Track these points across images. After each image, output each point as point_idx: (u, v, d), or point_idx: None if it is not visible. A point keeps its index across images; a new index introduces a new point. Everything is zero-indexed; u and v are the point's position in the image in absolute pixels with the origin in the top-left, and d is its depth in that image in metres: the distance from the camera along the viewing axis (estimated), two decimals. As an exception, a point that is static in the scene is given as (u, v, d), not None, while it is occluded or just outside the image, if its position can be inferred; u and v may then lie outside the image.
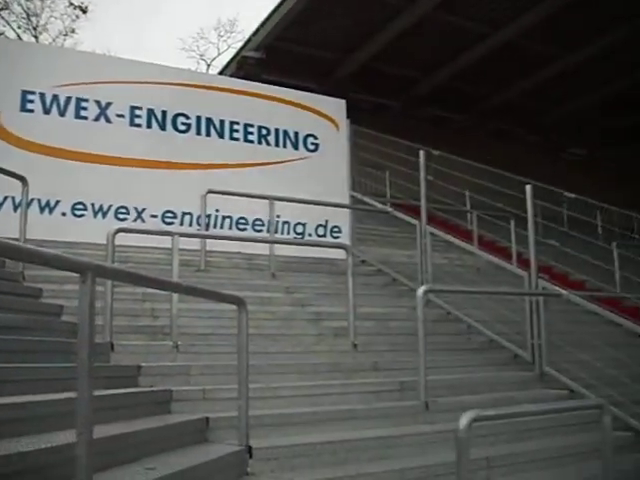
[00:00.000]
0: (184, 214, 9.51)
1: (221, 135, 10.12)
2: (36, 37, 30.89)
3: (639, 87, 19.69)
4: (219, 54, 37.98)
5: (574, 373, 7.24)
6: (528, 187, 8.09)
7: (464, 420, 3.41)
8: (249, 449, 4.31)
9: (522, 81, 19.47)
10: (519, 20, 16.24)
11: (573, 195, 10.70)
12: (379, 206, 11.44)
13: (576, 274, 12.07)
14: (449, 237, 9.93)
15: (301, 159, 10.58)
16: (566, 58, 18.11)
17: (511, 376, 7.51)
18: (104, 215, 9.04)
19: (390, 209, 11.29)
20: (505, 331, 8.07)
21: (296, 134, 10.63)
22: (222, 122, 10.13)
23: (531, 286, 7.91)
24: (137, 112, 9.55)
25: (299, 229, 10.25)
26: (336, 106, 11.22)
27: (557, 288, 8.12)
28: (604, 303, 8.55)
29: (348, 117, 11.21)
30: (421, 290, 6.22)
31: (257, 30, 17.08)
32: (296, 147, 10.62)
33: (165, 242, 6.90)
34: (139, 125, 9.55)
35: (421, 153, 9.79)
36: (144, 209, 9.29)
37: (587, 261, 11.54)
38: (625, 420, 6.55)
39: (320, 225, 10.41)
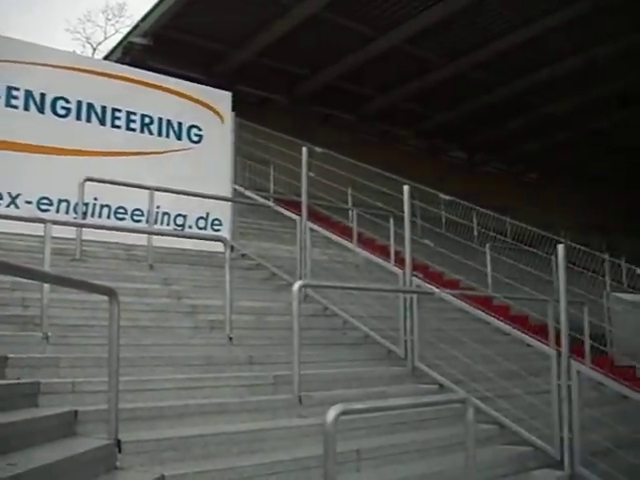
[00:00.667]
0: (60, 201, 9.19)
1: (102, 122, 9.83)
2: None
3: (519, 96, 20.63)
4: (106, 38, 37.10)
5: (444, 369, 7.47)
6: (406, 187, 8.28)
7: (332, 413, 3.45)
8: (118, 443, 4.22)
9: (406, 85, 19.95)
10: (404, 26, 16.61)
11: (448, 197, 11.02)
12: (260, 200, 11.43)
13: (451, 273, 12.45)
14: (329, 233, 10.03)
15: (184, 150, 10.44)
16: (448, 66, 18.65)
17: (384, 371, 7.66)
18: (-26, 200, 8.66)
19: (271, 203, 11.31)
20: (380, 327, 8.23)
21: (180, 124, 10.47)
22: (104, 108, 9.84)
23: (405, 284, 8.11)
24: (14, 93, 9.14)
25: (179, 221, 10.11)
26: (222, 98, 11.12)
27: (431, 286, 8.35)
28: (475, 302, 8.87)
29: (234, 110, 11.14)
30: (297, 285, 6.25)
31: (145, 16, 16.71)
32: (179, 137, 10.46)
33: (40, 230, 6.66)
34: (15, 107, 9.16)
35: (304, 149, 9.86)
36: (19, 195, 8.92)
37: (462, 261, 11.94)
38: (489, 414, 6.83)
39: (201, 217, 10.31)
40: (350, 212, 13.87)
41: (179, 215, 10.06)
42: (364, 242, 12.20)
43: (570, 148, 25.66)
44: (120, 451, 4.23)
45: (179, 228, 10.05)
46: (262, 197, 11.74)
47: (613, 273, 13.60)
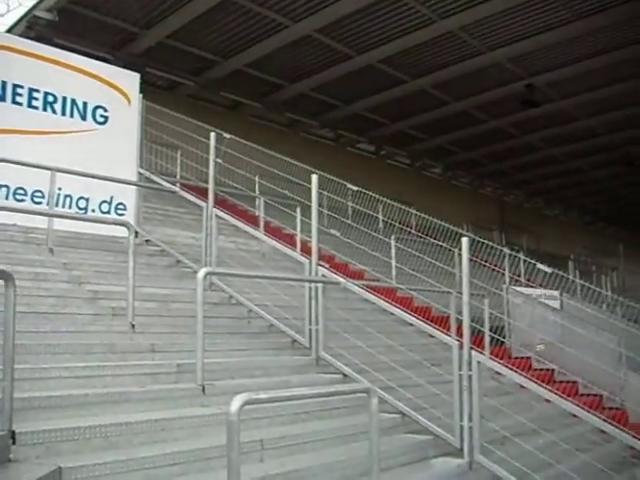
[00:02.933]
0: (-48, 181, 8.78)
1: (2, 98, 9.41)
2: None
3: (426, 91, 20.99)
4: (9, 11, 35.52)
5: (348, 359, 7.52)
6: (314, 177, 8.29)
7: (235, 403, 3.41)
8: (12, 434, 4.05)
9: (316, 75, 19.94)
10: (316, 16, 16.58)
11: (355, 188, 11.08)
12: (167, 185, 11.22)
13: (357, 264, 12.55)
14: (236, 221, 9.93)
15: (89, 131, 10.11)
16: (358, 58, 18.75)
17: (288, 360, 7.66)
18: None
19: (177, 189, 11.11)
20: (285, 316, 8.21)
21: (85, 104, 10.13)
22: (4, 84, 9.40)
23: (311, 273, 8.12)
24: None
25: (82, 204, 9.79)
26: (129, 79, 10.81)
27: (336, 276, 8.39)
28: (380, 292, 8.97)
29: (141, 92, 10.87)
30: (202, 272, 6.15)
31: (51, -10, 16.08)
32: (84, 118, 10.12)
33: None
34: None
35: (212, 135, 9.74)
36: None
37: (368, 252, 12.05)
38: (392, 403, 6.92)
39: (104, 201, 10.01)
40: (257, 200, 13.80)
41: (82, 198, 9.75)
42: (271, 231, 12.15)
43: (473, 144, 26.35)
44: (14, 442, 4.06)
45: (81, 211, 9.74)
46: (168, 182, 11.51)
47: (512, 267, 14.05)
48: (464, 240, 6.91)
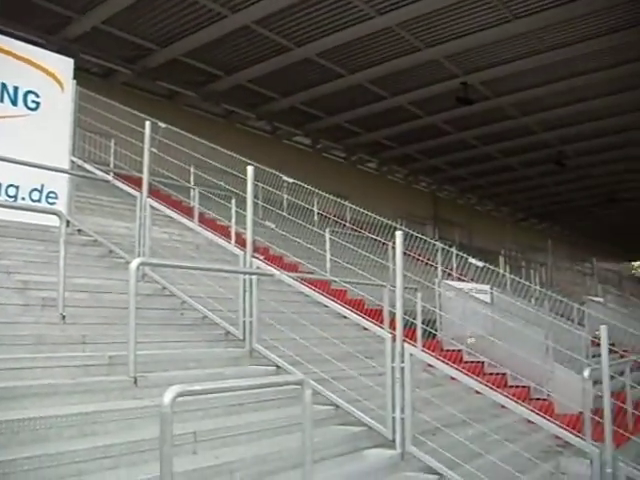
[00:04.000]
0: None
1: None
2: None
3: (363, 86, 21.09)
4: None
5: (282, 351, 7.53)
6: (249, 168, 8.26)
7: (168, 395, 3.38)
8: None
9: (254, 67, 19.83)
10: (255, 7, 16.48)
11: (291, 180, 11.10)
12: (100, 174, 11.01)
13: (291, 256, 12.57)
14: (170, 212, 9.82)
15: (19, 116, 9.83)
16: (296, 50, 18.72)
17: (222, 352, 7.62)
18: None
19: (111, 178, 10.91)
20: (219, 308, 8.16)
21: (15, 89, 9.85)
22: None
23: (246, 265, 8.10)
24: None
25: (11, 192, 9.51)
26: (63, 65, 10.51)
27: (271, 268, 8.38)
28: (314, 285, 9.01)
29: (75, 78, 10.63)
30: (135, 263, 6.06)
31: (-21, -29, 15.57)
32: (15, 103, 9.84)
33: None
34: None
35: (147, 124, 9.60)
36: None
37: (303, 245, 12.08)
38: (326, 395, 6.96)
39: (35, 189, 9.76)
40: (192, 191, 13.68)
41: (11, 186, 9.48)
42: (206, 222, 12.05)
43: (408, 139, 26.64)
44: None
45: (11, 199, 9.48)
46: (102, 171, 11.31)
47: (445, 262, 14.27)
48: (398, 234, 6.98)
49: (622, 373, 11.09)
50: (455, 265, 14.35)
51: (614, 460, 5.99)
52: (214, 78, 20.90)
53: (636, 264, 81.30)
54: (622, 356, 12.26)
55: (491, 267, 10.59)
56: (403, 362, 6.61)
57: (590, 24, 17.47)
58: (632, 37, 17.87)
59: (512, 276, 14.02)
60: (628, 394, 10.62)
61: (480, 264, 10.58)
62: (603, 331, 6.69)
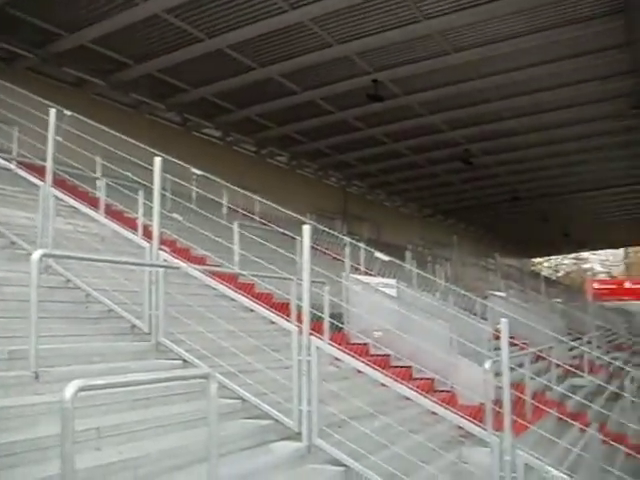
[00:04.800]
0: None
1: None
2: None
3: (276, 80, 21.06)
4: None
5: (189, 344, 7.46)
6: (157, 159, 8.15)
7: (69, 390, 3.30)
8: None
9: (164, 57, 19.49)
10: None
11: (199, 172, 10.98)
12: (1, 162, 10.64)
13: (199, 249, 12.45)
14: (75, 203, 9.58)
15: None
16: (208, 42, 18.50)
17: (127, 346, 7.49)
18: None
19: (13, 166, 10.56)
20: (124, 301, 8.02)
21: None
22: None
23: (152, 257, 7.99)
24: None
25: None
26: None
27: (177, 261, 8.29)
28: (222, 278, 8.94)
29: (-25, 62, 10.26)
30: (37, 254, 5.89)
31: None
32: None
33: None
34: None
35: (51, 112, 9.34)
36: None
37: (211, 238, 11.98)
38: (233, 389, 6.95)
39: None
40: (98, 182, 13.36)
41: None
42: (112, 214, 11.80)
43: (319, 134, 26.78)
44: None
45: None
46: (4, 159, 10.92)
47: (353, 256, 14.43)
48: (305, 228, 7.02)
49: (522, 365, 11.49)
50: (363, 260, 14.54)
51: (512, 448, 6.19)
52: (123, 67, 20.43)
53: (537, 261, 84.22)
54: (522, 349, 12.66)
55: (397, 261, 10.75)
56: (310, 355, 6.66)
57: (496, 28, 17.98)
58: (535, 42, 18.51)
59: (418, 271, 14.26)
60: (527, 385, 11.00)
61: (385, 258, 10.74)
62: (503, 324, 6.89)
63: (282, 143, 28.25)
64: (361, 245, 13.89)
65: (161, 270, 7.76)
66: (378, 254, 10.37)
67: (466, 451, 7.91)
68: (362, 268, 13.90)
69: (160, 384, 6.03)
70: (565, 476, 5.91)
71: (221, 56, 19.37)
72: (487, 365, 7.44)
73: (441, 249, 31.33)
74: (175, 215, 11.61)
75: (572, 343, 16.26)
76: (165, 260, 8.08)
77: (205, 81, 21.57)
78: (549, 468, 5.97)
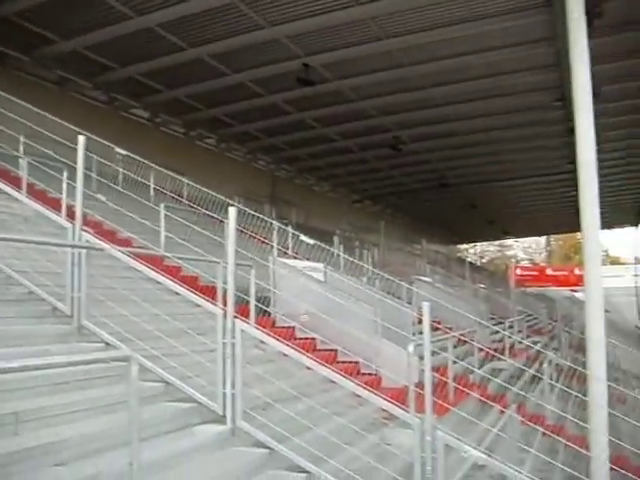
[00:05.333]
0: None
1: None
2: None
3: (203, 61, 20.77)
4: None
5: (112, 327, 7.37)
6: (81, 138, 7.99)
7: (-15, 372, 3.24)
8: None
9: (91, 34, 18.96)
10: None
11: (124, 152, 10.82)
12: None
13: (125, 231, 12.26)
14: (-5, 182, 9.34)
15: None
16: (136, 19, 18.11)
17: (48, 329, 7.37)
18: None
19: None
20: (46, 283, 7.86)
21: None
22: None
23: (74, 238, 7.84)
24: None
25: None
26: None
27: (101, 242, 8.15)
28: (148, 261, 8.84)
29: None
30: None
31: None
32: None
33: None
34: None
35: (-32, 87, 9.06)
36: None
37: (137, 220, 11.82)
38: (157, 372, 6.90)
39: None
40: (20, 160, 13.01)
41: None
42: (35, 194, 11.53)
43: (248, 117, 26.60)
44: None
45: None
46: None
47: (281, 240, 14.47)
48: (231, 210, 6.99)
49: (445, 349, 11.73)
50: (291, 244, 14.57)
51: (433, 429, 6.32)
52: (49, 42, 19.79)
53: (463, 247, 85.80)
54: (446, 333, 12.92)
55: (322, 245, 10.81)
56: (234, 338, 6.66)
57: (427, 16, 18.14)
58: (465, 32, 18.76)
59: (345, 256, 14.38)
60: (450, 368, 11.25)
61: (310, 241, 10.79)
62: (425, 308, 7.00)
63: (211, 125, 27.94)
64: (288, 229, 13.92)
65: (84, 251, 7.62)
66: (303, 237, 10.41)
67: (389, 433, 8.05)
68: (290, 252, 13.93)
69: (81, 367, 5.94)
70: (482, 455, 6.06)
71: (151, 35, 18.98)
72: (410, 348, 7.56)
73: (369, 234, 31.65)
74: (99, 196, 11.39)
75: (494, 327, 16.68)
76: (88, 241, 7.93)
77: (134, 60, 21.11)
78: (467, 448, 6.11)
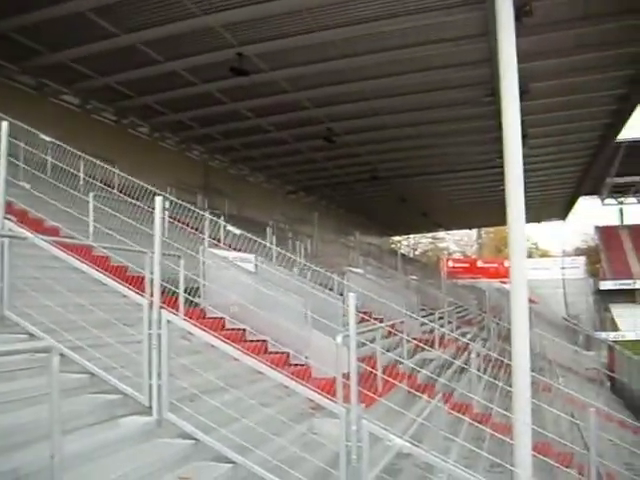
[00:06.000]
0: None
1: None
2: None
3: (136, 48, 20.42)
4: None
5: (36, 318, 7.23)
6: (4, 124, 7.81)
7: None
8: None
9: (20, 16, 18.44)
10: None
11: (49, 139, 10.61)
12: None
13: (51, 221, 12.02)
14: None
15: None
16: (67, 4, 17.68)
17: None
18: None
19: None
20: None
21: None
22: None
23: (-5, 227, 7.68)
24: None
25: None
26: None
27: (24, 231, 7.97)
28: (74, 251, 8.68)
29: None
30: None
31: None
32: None
33: None
34: None
35: None
36: None
37: (64, 209, 11.60)
38: (81, 363, 6.80)
39: None
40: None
41: None
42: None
43: (182, 106, 26.29)
44: None
45: None
46: None
47: (214, 231, 14.38)
48: (157, 199, 6.93)
49: (374, 340, 11.87)
50: (223, 235, 14.50)
51: (359, 419, 6.39)
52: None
53: (396, 239, 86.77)
54: (376, 324, 13.06)
55: (248, 235, 10.78)
56: (160, 329, 6.60)
57: (362, 9, 18.23)
58: (399, 25, 18.95)
59: (276, 247, 14.41)
60: (378, 359, 11.39)
61: (237, 231, 10.76)
62: (351, 299, 7.05)
63: (144, 113, 27.52)
64: (219, 221, 13.86)
65: (6, 240, 7.44)
66: (230, 227, 10.37)
67: (317, 423, 8.12)
68: (222, 243, 13.85)
69: (3, 359, 5.82)
70: (406, 443, 6.16)
71: (82, 19, 18.52)
72: (338, 339, 7.64)
73: (303, 226, 31.71)
74: (23, 184, 11.13)
75: (423, 319, 16.93)
76: (10, 230, 7.75)
77: (64, 45, 20.58)
78: (392, 436, 6.21)
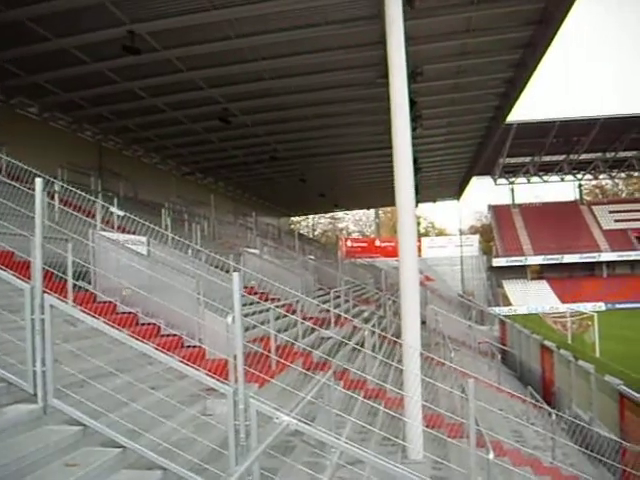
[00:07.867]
0: None
1: None
2: None
3: (23, 24, 19.64)
4: None
5: None
6: None
7: None
8: None
9: None
10: None
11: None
12: None
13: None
14: None
15: None
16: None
17: None
18: None
19: None
20: None
21: None
22: None
23: None
24: None
25: None
26: None
27: None
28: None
29: None
30: None
31: None
32: None
33: None
34: None
35: None
36: None
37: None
38: None
39: None
40: None
41: None
42: None
43: (73, 85, 25.56)
44: None
45: None
46: None
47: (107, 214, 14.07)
48: (37, 181, 6.75)
49: (268, 320, 11.96)
50: (116, 218, 14.21)
51: (246, 398, 6.44)
52: None
53: (296, 219, 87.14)
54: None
55: (131, 216, 10.56)
56: (43, 314, 6.45)
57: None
58: (294, 6, 19.00)
59: (172, 229, 14.27)
60: (272, 338, 11.50)
61: (120, 213, 10.57)
62: (235, 278, 7.06)
63: (33, 93, 26.52)
64: (105, 204, 13.56)
65: None
66: (113, 209, 10.18)
67: (210, 404, 8.15)
68: (115, 227, 13.58)
69: None
70: (293, 420, 6.25)
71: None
72: (229, 320, 7.66)
73: (200, 207, 31.42)
74: None
75: (314, 301, 17.12)
76: None
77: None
78: (279, 414, 6.28)
